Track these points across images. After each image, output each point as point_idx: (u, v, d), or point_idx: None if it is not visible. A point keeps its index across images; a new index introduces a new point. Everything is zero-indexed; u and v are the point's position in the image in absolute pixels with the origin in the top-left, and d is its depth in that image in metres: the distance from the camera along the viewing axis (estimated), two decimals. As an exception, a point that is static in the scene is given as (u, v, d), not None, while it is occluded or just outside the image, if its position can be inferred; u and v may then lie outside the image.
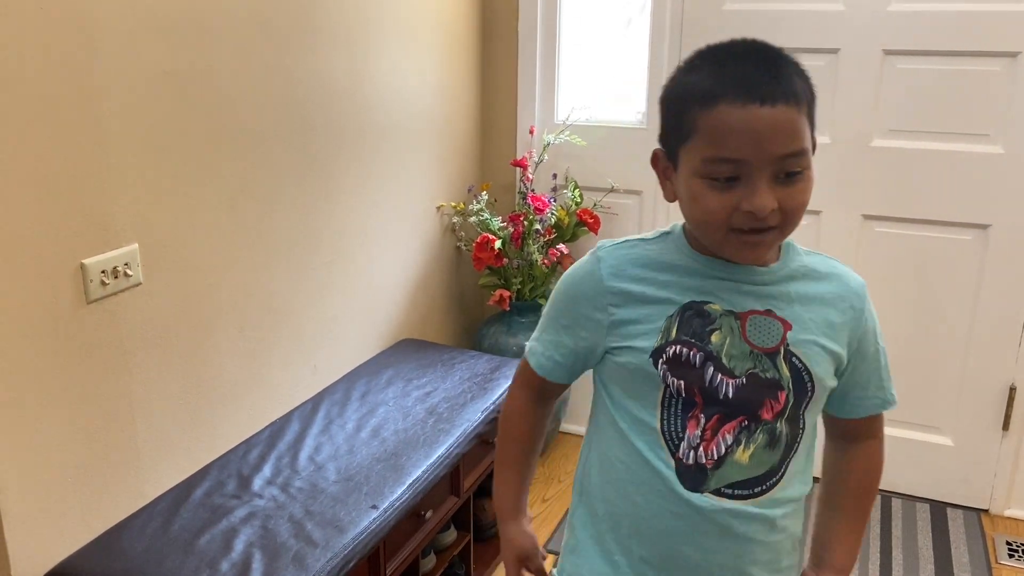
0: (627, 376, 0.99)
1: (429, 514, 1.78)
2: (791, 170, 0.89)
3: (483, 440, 2.02)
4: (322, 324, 2.08)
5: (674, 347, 0.95)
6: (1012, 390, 2.41)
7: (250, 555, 1.46)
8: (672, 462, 0.97)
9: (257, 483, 1.68)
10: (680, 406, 0.96)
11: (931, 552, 2.31)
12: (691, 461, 0.96)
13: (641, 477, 0.99)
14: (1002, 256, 2.34)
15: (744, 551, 0.98)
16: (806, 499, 1.04)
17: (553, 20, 2.66)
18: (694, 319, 0.95)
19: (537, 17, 2.65)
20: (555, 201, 2.64)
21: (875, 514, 2.48)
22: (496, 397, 2.07)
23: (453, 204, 2.64)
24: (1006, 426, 2.44)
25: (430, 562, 1.97)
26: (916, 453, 2.55)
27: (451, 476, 1.90)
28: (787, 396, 0.96)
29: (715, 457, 0.96)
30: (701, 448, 0.96)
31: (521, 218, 2.57)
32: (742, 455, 0.96)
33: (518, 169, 2.69)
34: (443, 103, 2.53)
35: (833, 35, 2.35)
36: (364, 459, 1.78)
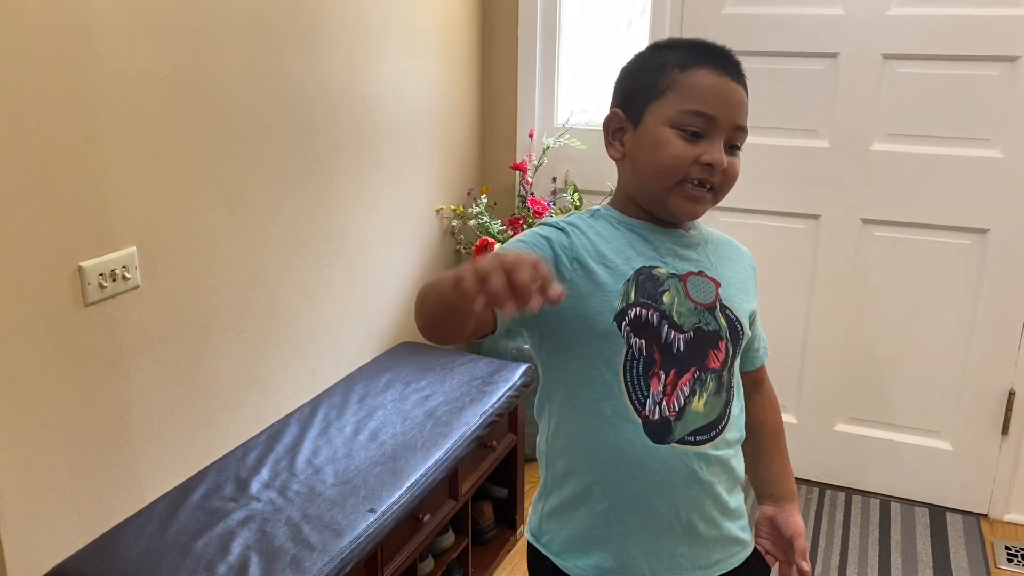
0: (586, 342, 1.03)
1: (427, 518, 1.78)
2: (736, 143, 1.04)
3: (482, 443, 2.01)
4: (320, 327, 2.08)
5: (634, 309, 1.02)
6: (1011, 394, 2.41)
7: (247, 558, 1.46)
8: (639, 420, 1.03)
9: (255, 486, 1.68)
10: (641, 366, 1.03)
11: (930, 557, 2.31)
12: (656, 416, 1.03)
13: (610, 440, 1.04)
14: (1001, 260, 2.34)
15: (706, 495, 1.06)
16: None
17: (553, 23, 2.67)
18: (647, 282, 1.04)
19: (537, 20, 2.65)
20: (554, 204, 2.64)
21: (874, 518, 2.48)
22: (495, 400, 2.07)
23: (452, 207, 2.64)
24: (1005, 431, 2.44)
25: (428, 566, 1.96)
26: (915, 457, 2.55)
27: (449, 480, 1.90)
28: (726, 345, 1.08)
29: (676, 409, 1.04)
30: (664, 403, 1.03)
31: (521, 221, 2.57)
32: (698, 403, 1.05)
33: (518, 172, 2.69)
34: (443, 106, 2.53)
35: (832, 39, 2.35)
36: (362, 462, 1.77)
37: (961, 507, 2.53)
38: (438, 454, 1.83)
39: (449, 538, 2.06)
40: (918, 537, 2.40)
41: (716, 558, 1.10)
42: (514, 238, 1.06)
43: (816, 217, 2.47)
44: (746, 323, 1.11)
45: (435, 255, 2.61)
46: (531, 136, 2.71)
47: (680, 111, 1.01)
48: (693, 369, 1.04)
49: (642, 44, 2.58)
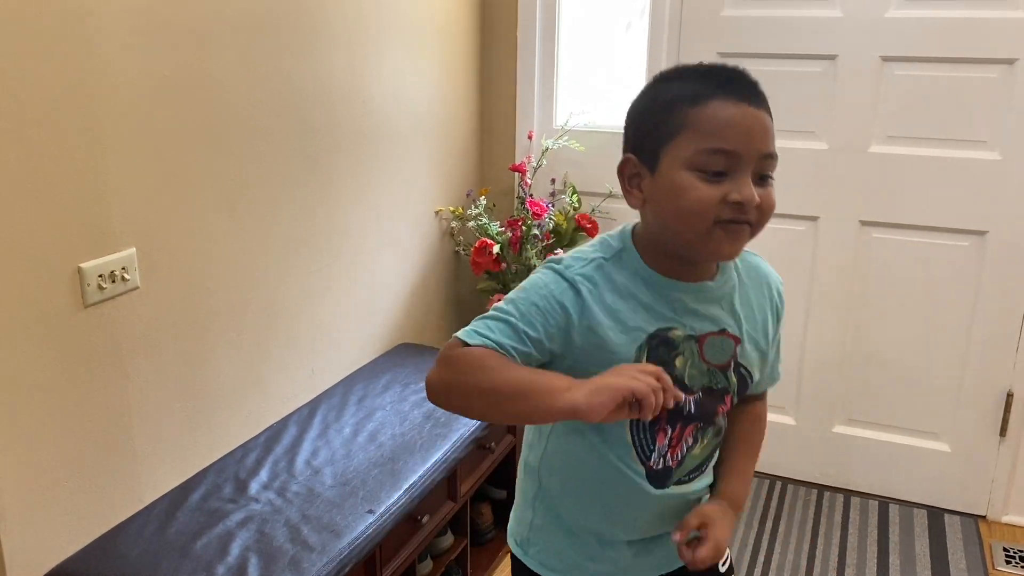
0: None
1: (426, 519, 1.78)
2: (766, 172, 0.95)
3: (480, 445, 2.02)
4: (320, 328, 2.09)
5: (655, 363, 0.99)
6: (1009, 396, 2.41)
7: (246, 559, 1.46)
8: (643, 469, 1.05)
9: (254, 487, 1.68)
10: (648, 423, 1.03)
11: (928, 558, 2.31)
12: (660, 466, 1.06)
13: (612, 481, 1.06)
14: (999, 262, 2.34)
15: (690, 509, 1.10)
16: None
17: (552, 25, 2.67)
18: (660, 347, 1.00)
19: (536, 22, 2.65)
20: (553, 206, 2.64)
21: (872, 519, 2.49)
22: (493, 402, 2.07)
23: (452, 208, 2.64)
24: (1003, 432, 2.44)
25: (427, 567, 1.97)
26: (913, 459, 2.55)
27: (448, 481, 1.90)
28: (731, 399, 1.08)
29: (679, 458, 1.07)
30: (668, 454, 1.05)
31: (519, 223, 2.58)
32: (697, 451, 1.08)
33: (517, 174, 2.69)
34: (442, 107, 2.53)
35: (831, 41, 2.35)
36: (361, 464, 1.78)
37: (959, 509, 2.53)
38: (437, 455, 1.83)
39: (448, 539, 2.06)
40: (916, 539, 2.40)
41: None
42: (524, 291, 1.00)
43: (815, 219, 2.47)
44: (758, 374, 1.09)
45: (434, 256, 2.61)
46: (530, 138, 2.71)
47: (697, 151, 0.93)
48: (697, 423, 1.06)
49: (641, 46, 2.61)
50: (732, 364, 1.05)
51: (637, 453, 1.04)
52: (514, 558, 1.20)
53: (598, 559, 1.13)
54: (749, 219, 0.94)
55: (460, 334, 0.97)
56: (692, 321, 1.01)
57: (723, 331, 1.03)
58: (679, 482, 1.08)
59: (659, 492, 1.06)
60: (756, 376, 1.09)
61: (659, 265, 1.01)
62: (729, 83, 0.94)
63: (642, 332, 0.99)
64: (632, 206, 1.02)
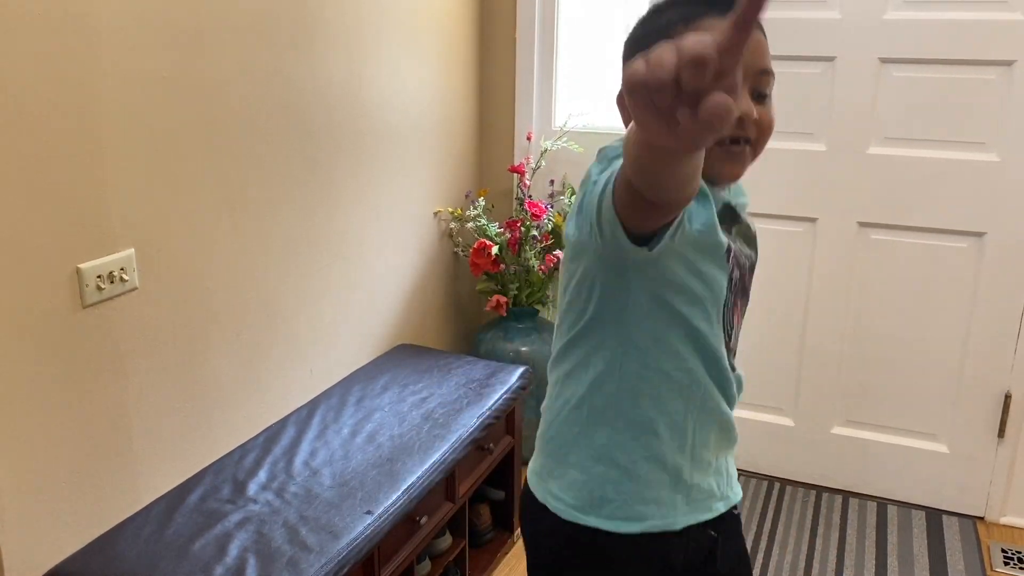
0: (697, 284, 0.96)
1: (424, 520, 1.78)
2: (763, 90, 0.95)
3: (479, 446, 2.02)
4: (318, 329, 2.09)
5: (732, 243, 0.99)
6: (1007, 397, 2.41)
7: (244, 560, 1.46)
8: (725, 352, 1.03)
9: (252, 488, 1.68)
10: (725, 301, 1.01)
11: (926, 559, 2.31)
12: (733, 345, 1.06)
13: (700, 379, 1.02)
14: (997, 264, 2.34)
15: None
16: None
17: (551, 26, 2.67)
18: (726, 216, 1.00)
19: (535, 23, 2.66)
20: (552, 207, 2.64)
21: (871, 520, 2.49)
22: (492, 403, 2.08)
23: (451, 210, 2.64)
24: (1001, 433, 2.44)
25: (425, 568, 1.97)
26: (912, 460, 2.55)
27: (446, 482, 1.90)
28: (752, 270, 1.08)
29: (737, 335, 1.07)
30: (736, 330, 1.05)
31: (518, 224, 2.58)
32: (739, 325, 1.08)
33: (515, 175, 2.69)
34: (441, 109, 2.54)
35: (829, 43, 2.35)
36: (359, 464, 1.78)
37: (957, 510, 2.53)
38: (435, 456, 1.83)
39: (446, 540, 2.06)
40: (915, 540, 2.40)
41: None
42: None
43: (813, 220, 2.47)
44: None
45: (433, 257, 2.61)
46: (529, 139, 2.72)
47: None
48: (743, 296, 1.06)
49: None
50: (755, 239, 1.07)
51: (724, 335, 1.01)
52: (539, 507, 1.09)
53: (680, 488, 1.05)
54: (748, 134, 0.94)
55: (598, 178, 0.90)
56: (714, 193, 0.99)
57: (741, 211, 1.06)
58: (732, 367, 1.07)
59: (731, 375, 1.05)
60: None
61: None
62: (721, 2, 0.92)
63: (712, 207, 0.95)
64: None
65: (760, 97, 0.95)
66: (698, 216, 0.93)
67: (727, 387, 1.05)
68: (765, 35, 0.96)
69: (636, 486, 1.03)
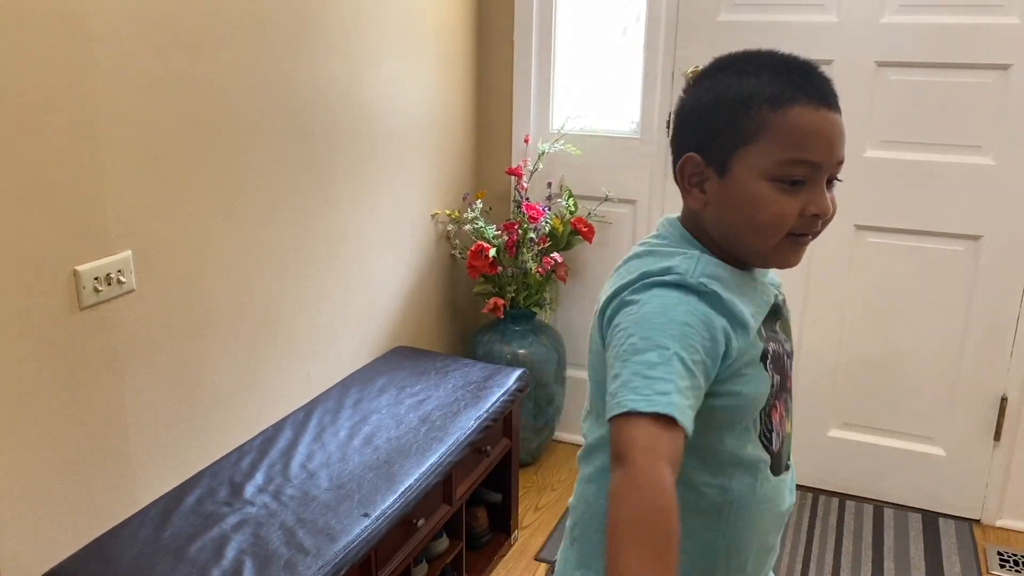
0: (743, 397, 0.91)
1: (421, 522, 1.78)
2: (837, 176, 0.92)
3: (476, 448, 2.02)
4: (315, 331, 2.09)
5: (769, 345, 0.94)
6: (1003, 400, 2.42)
7: (241, 563, 1.46)
8: (767, 456, 0.96)
9: (249, 490, 1.68)
10: (765, 404, 0.95)
11: (923, 562, 2.32)
12: (776, 448, 0.97)
13: (746, 484, 0.94)
14: (994, 267, 2.35)
15: (787, 517, 1.02)
16: None
17: (549, 29, 2.67)
18: (770, 316, 0.97)
19: (533, 26, 2.66)
20: (549, 210, 2.64)
21: (867, 523, 2.49)
22: (489, 405, 2.08)
23: (448, 212, 2.64)
24: (997, 436, 2.45)
25: (422, 570, 1.96)
26: (908, 463, 2.55)
27: (444, 484, 1.90)
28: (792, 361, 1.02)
29: (782, 436, 0.98)
30: (777, 432, 0.97)
31: (516, 226, 2.58)
32: (789, 426, 1.00)
33: (513, 177, 2.69)
34: (439, 111, 2.54)
35: (826, 46, 2.36)
36: (356, 467, 1.78)
37: (954, 513, 2.54)
38: (432, 459, 1.83)
39: (443, 543, 2.06)
40: (911, 543, 2.41)
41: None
42: (656, 319, 0.84)
43: (810, 223, 2.48)
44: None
45: (430, 259, 2.61)
46: (527, 141, 2.72)
47: (779, 162, 0.87)
48: (784, 394, 0.99)
49: (637, 51, 2.61)
50: (790, 329, 1.02)
51: (762, 440, 0.94)
52: None
53: None
54: (818, 230, 0.92)
55: (631, 404, 0.77)
56: (764, 289, 0.98)
57: (776, 296, 1.01)
58: (786, 468, 0.99)
59: (777, 480, 0.97)
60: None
61: (728, 260, 0.95)
62: (809, 84, 0.88)
63: (759, 311, 0.93)
64: (691, 207, 0.95)
65: (829, 183, 0.92)
66: (739, 344, 0.89)
67: (768, 498, 0.96)
68: (841, 116, 0.91)
69: None
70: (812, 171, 0.88)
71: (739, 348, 0.88)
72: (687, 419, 0.77)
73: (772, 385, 0.93)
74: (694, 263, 0.90)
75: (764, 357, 0.92)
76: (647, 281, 0.88)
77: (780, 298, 1.02)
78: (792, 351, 1.02)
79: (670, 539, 0.71)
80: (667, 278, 0.88)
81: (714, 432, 0.91)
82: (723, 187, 0.91)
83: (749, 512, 0.95)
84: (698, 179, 0.93)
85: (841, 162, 0.91)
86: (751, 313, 0.91)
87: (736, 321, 0.88)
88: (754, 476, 0.94)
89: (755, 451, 0.94)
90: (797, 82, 0.88)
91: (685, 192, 0.95)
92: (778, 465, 0.97)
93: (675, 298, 0.86)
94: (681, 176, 0.95)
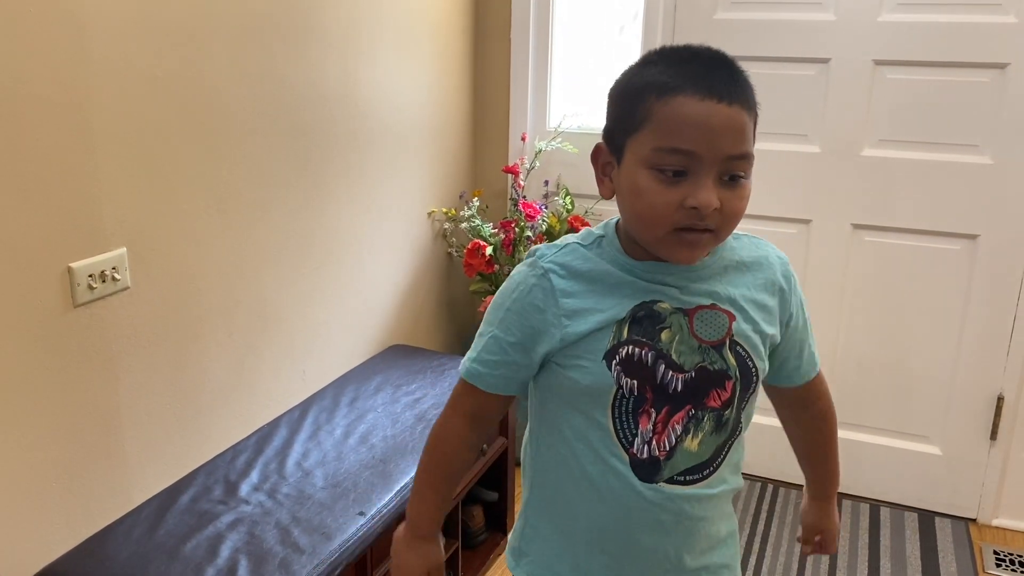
0: (577, 383, 0.98)
1: (417, 521, 1.77)
2: (735, 173, 0.89)
3: (472, 447, 2.01)
4: (311, 329, 2.08)
5: (626, 347, 0.95)
6: (1000, 400, 2.42)
7: (236, 561, 1.45)
8: (626, 457, 0.98)
9: (244, 489, 1.67)
10: (631, 404, 0.96)
11: (919, 561, 2.32)
12: (645, 455, 0.97)
13: (596, 475, 0.99)
14: (991, 266, 2.35)
15: (697, 532, 1.02)
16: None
17: (546, 27, 2.67)
18: (644, 319, 0.95)
19: (530, 24, 2.65)
20: (546, 208, 2.64)
21: (863, 522, 2.49)
22: (485, 404, 2.07)
23: (444, 210, 2.64)
24: (994, 435, 2.45)
25: (418, 569, 1.96)
26: (904, 462, 2.55)
27: (440, 483, 1.89)
28: (734, 385, 0.99)
29: (667, 448, 0.97)
30: (653, 441, 0.97)
31: (512, 225, 2.57)
32: (691, 443, 0.98)
33: (510, 176, 2.69)
34: (435, 109, 2.53)
35: (824, 45, 2.36)
36: (352, 465, 1.77)
37: (950, 512, 2.54)
38: (428, 457, 1.82)
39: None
40: (907, 542, 2.41)
41: None
42: (500, 295, 1.01)
43: (807, 222, 2.48)
44: (760, 362, 1.00)
45: (426, 258, 2.61)
46: (523, 139, 2.71)
47: (655, 149, 0.88)
48: (688, 407, 0.97)
49: (634, 49, 2.61)
50: (727, 342, 0.97)
51: (618, 438, 0.97)
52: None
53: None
54: (707, 226, 0.89)
55: (465, 367, 1.04)
56: (679, 295, 0.96)
57: (714, 305, 0.97)
58: (672, 481, 0.98)
59: (645, 489, 0.97)
60: (760, 364, 1.00)
61: (636, 252, 0.97)
62: (702, 76, 0.87)
63: (623, 307, 0.95)
64: (603, 196, 0.98)
65: (732, 180, 0.89)
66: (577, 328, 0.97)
67: (627, 496, 0.98)
68: (751, 113, 0.90)
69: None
70: (691, 162, 0.87)
71: (575, 335, 0.95)
72: (485, 384, 1.01)
73: (620, 386, 0.95)
74: (559, 249, 0.99)
75: (611, 355, 0.95)
76: (527, 254, 1.02)
77: (732, 308, 0.99)
78: (729, 369, 0.98)
79: (445, 459, 1.08)
80: (528, 258, 1.00)
81: (564, 407, 1.01)
82: (620, 176, 0.94)
83: (603, 496, 1.00)
84: (608, 167, 0.96)
85: (735, 156, 0.88)
86: (610, 308, 0.95)
87: (566, 311, 0.95)
88: (606, 465, 0.98)
89: (606, 443, 0.98)
90: (689, 73, 0.88)
91: (599, 182, 0.98)
92: (650, 472, 0.98)
93: (517, 279, 0.99)
94: (595, 164, 0.98)
